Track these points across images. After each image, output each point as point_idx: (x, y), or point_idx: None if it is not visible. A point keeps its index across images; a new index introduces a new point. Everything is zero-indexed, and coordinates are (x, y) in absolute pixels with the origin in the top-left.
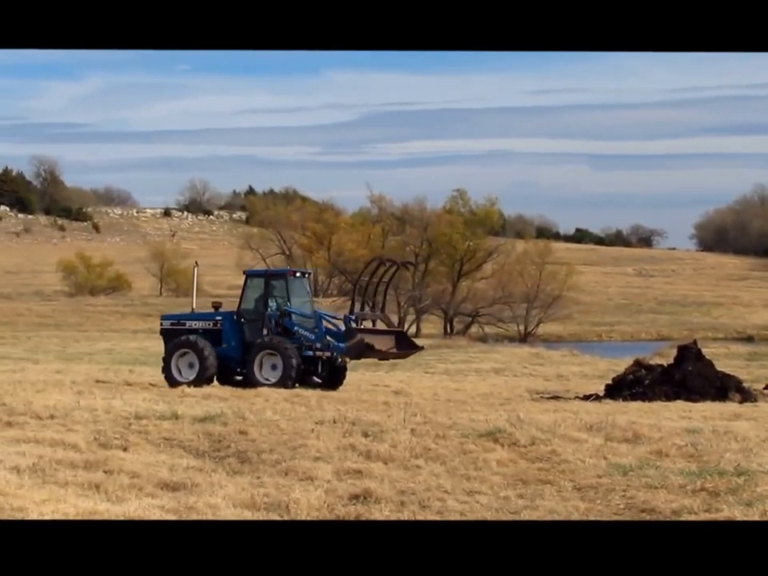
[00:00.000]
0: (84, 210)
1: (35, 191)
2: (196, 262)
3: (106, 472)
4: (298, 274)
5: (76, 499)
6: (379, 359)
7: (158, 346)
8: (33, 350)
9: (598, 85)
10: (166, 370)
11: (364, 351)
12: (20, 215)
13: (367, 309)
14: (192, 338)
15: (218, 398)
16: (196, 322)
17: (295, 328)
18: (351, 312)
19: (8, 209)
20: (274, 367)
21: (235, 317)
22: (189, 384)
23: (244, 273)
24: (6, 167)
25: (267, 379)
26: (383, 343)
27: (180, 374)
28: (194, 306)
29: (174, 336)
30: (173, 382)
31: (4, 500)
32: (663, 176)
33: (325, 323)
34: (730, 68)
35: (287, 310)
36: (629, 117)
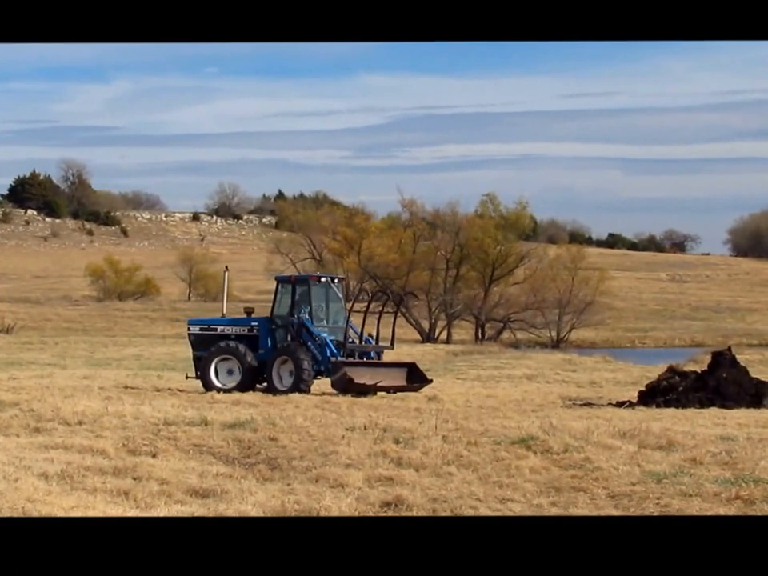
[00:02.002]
0: (112, 214)
1: (63, 195)
2: (226, 267)
3: (134, 479)
4: (323, 280)
5: (105, 506)
6: (391, 392)
7: (188, 351)
8: (61, 355)
9: (632, 88)
10: (204, 376)
11: (347, 385)
12: (48, 219)
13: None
14: (233, 344)
15: (247, 404)
16: (229, 327)
17: (309, 344)
18: (344, 343)
19: (36, 213)
20: (291, 373)
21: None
22: (229, 390)
23: (275, 278)
24: (34, 171)
25: (284, 385)
26: (379, 377)
27: (218, 380)
28: (224, 311)
29: (206, 341)
30: (210, 388)
31: (32, 506)
32: (697, 181)
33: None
34: None
35: (304, 322)
36: (663, 121)
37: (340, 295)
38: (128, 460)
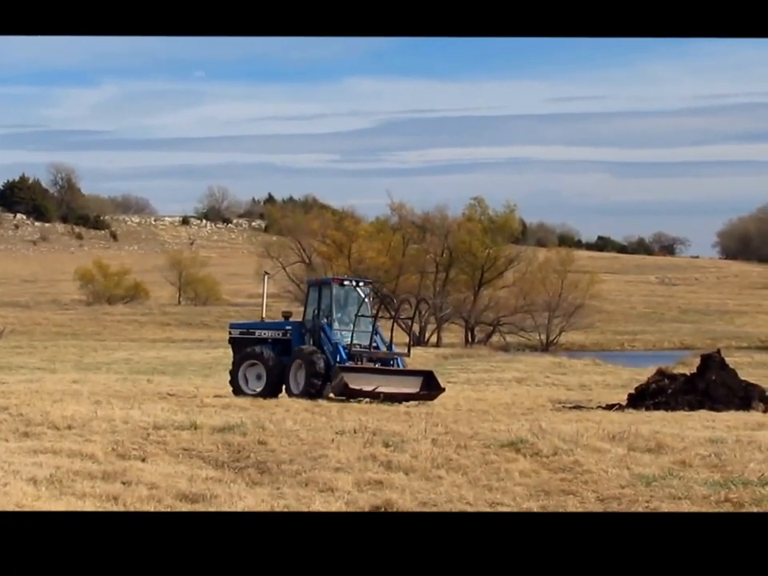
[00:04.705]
0: (101, 217)
1: (52, 199)
2: (266, 272)
3: (124, 483)
4: (346, 283)
5: (94, 510)
6: (403, 400)
7: (177, 355)
8: (50, 359)
9: (619, 92)
10: (233, 380)
11: (343, 390)
12: (37, 223)
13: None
14: (259, 349)
15: (237, 407)
16: (265, 331)
17: (325, 347)
18: (349, 349)
19: (25, 217)
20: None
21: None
22: (256, 395)
23: (306, 282)
24: (23, 175)
25: (300, 389)
26: (387, 383)
27: (247, 384)
28: (264, 315)
29: (243, 345)
30: (239, 393)
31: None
32: (686, 184)
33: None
34: (754, 76)
35: (322, 326)
36: (651, 124)
37: (365, 299)
38: (117, 464)
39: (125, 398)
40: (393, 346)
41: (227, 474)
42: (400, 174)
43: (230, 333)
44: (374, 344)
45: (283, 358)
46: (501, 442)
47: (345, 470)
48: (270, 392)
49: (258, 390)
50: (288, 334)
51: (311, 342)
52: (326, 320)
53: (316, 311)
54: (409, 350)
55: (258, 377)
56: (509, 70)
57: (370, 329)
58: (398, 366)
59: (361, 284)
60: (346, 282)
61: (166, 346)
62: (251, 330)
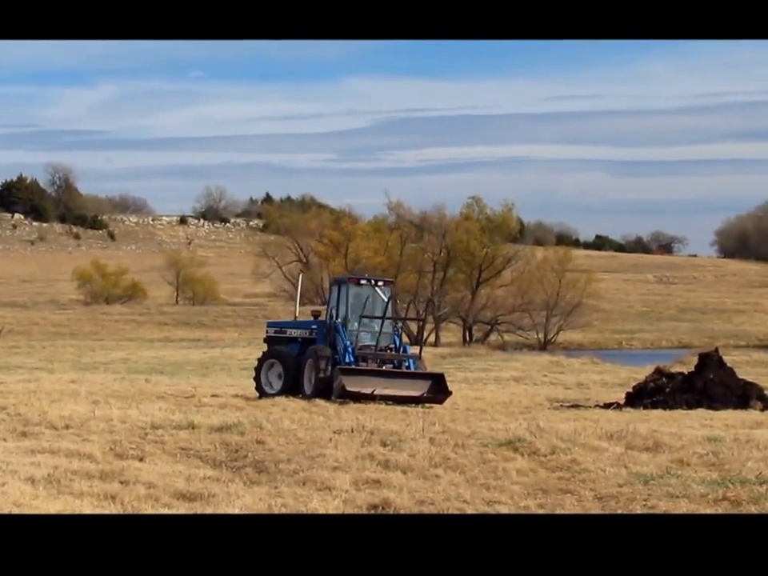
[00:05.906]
0: (99, 217)
1: (50, 199)
2: (301, 270)
3: (122, 482)
4: (363, 282)
5: (92, 510)
6: (410, 403)
7: (175, 354)
8: (48, 359)
9: (616, 91)
10: (256, 380)
11: (341, 392)
12: (35, 223)
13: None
14: (280, 348)
15: (234, 407)
16: (296, 330)
17: (338, 348)
18: (354, 348)
19: (23, 217)
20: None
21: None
22: (275, 395)
23: (329, 281)
24: (21, 175)
25: (310, 388)
26: (389, 386)
27: (270, 384)
28: (297, 314)
29: (276, 344)
30: (261, 393)
31: (19, 511)
32: (684, 182)
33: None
34: (752, 75)
35: (336, 325)
36: (649, 123)
37: (386, 299)
38: (115, 464)
39: (122, 398)
40: (407, 348)
41: (225, 474)
42: (397, 174)
43: (266, 331)
44: (392, 345)
45: (302, 358)
46: (498, 440)
47: (342, 469)
48: (289, 391)
49: (278, 389)
50: (314, 333)
51: (328, 342)
52: (340, 320)
53: (334, 310)
54: (420, 352)
55: (279, 376)
56: (505, 69)
57: (390, 330)
58: (410, 368)
59: (380, 283)
60: (363, 282)
61: (163, 346)
62: (283, 329)
